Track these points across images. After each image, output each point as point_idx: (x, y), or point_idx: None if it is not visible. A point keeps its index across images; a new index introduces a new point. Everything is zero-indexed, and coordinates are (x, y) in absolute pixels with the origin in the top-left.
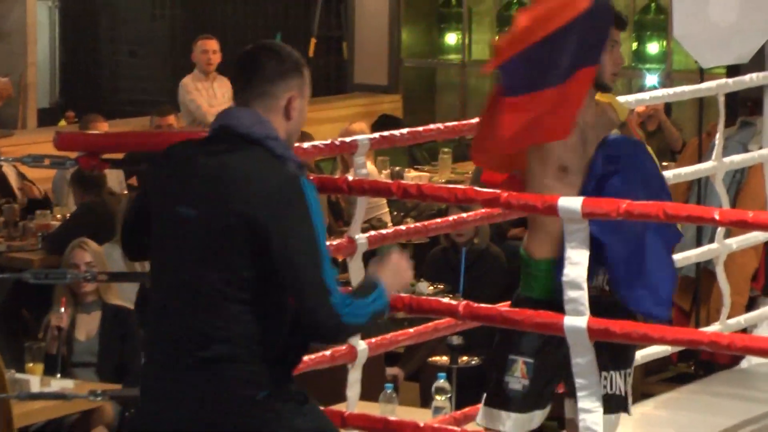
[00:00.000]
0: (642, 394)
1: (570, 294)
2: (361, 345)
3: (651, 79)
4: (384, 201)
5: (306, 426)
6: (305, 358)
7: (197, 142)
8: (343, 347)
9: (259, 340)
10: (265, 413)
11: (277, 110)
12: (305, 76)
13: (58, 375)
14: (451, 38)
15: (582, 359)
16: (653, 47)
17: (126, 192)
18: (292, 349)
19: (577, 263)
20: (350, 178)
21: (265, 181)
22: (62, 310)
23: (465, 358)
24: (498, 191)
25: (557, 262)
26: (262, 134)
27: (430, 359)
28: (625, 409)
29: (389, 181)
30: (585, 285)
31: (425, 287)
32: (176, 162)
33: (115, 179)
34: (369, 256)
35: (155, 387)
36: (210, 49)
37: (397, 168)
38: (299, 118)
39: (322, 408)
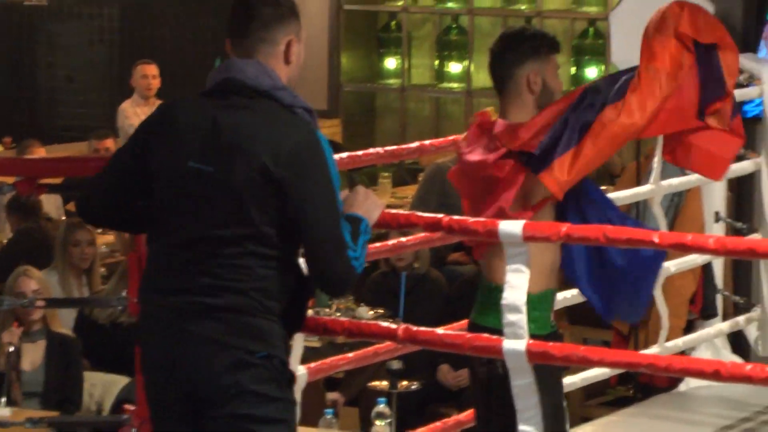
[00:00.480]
0: (581, 417)
1: (509, 317)
2: (301, 370)
3: None
4: None
5: (274, 415)
6: None
7: (203, 97)
8: None
9: (271, 296)
10: (254, 375)
11: (278, 56)
12: (300, 19)
13: (3, 399)
14: (391, 63)
15: (521, 381)
16: (591, 72)
17: (64, 218)
18: (296, 313)
19: (516, 287)
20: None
21: (283, 137)
22: (13, 329)
23: (405, 382)
24: (439, 216)
25: (543, 295)
26: (269, 85)
27: (369, 384)
28: None
29: None
30: (524, 308)
31: (365, 312)
32: (184, 117)
33: (52, 205)
34: None
35: (157, 335)
36: (150, 74)
37: (345, 190)
38: (298, 62)
39: None
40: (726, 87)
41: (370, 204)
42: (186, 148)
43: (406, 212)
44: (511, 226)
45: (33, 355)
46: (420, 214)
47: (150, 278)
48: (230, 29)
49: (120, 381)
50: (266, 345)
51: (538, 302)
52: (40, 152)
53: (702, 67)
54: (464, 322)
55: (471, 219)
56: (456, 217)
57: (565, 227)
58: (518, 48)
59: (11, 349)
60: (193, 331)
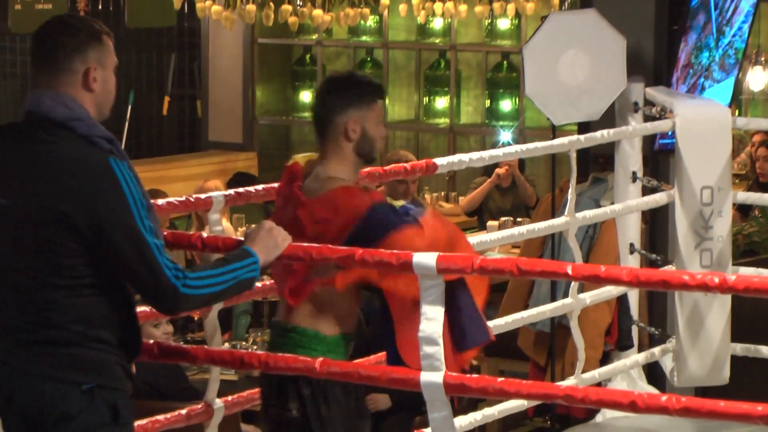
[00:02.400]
0: None
1: (426, 350)
2: (218, 403)
3: (505, 135)
4: None
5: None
6: (160, 417)
7: (12, 129)
8: (199, 406)
9: (93, 324)
10: (81, 408)
11: (77, 84)
12: (105, 44)
13: None
14: (306, 96)
15: (438, 414)
16: (506, 104)
17: None
18: (129, 338)
19: (432, 319)
20: (205, 235)
21: (72, 170)
22: None
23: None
24: (353, 248)
25: (348, 336)
26: (64, 116)
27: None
28: None
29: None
30: (441, 341)
31: None
32: None
33: None
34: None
35: None
36: None
37: (253, 225)
38: (104, 89)
39: None
40: (489, 332)
41: (270, 240)
42: None
43: (319, 245)
44: (425, 258)
45: None
46: (333, 247)
47: None
48: (32, 60)
49: None
50: (94, 375)
51: (334, 345)
52: None
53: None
54: (382, 355)
55: (385, 251)
56: (369, 249)
57: (478, 259)
58: (341, 94)
59: None
60: (20, 368)
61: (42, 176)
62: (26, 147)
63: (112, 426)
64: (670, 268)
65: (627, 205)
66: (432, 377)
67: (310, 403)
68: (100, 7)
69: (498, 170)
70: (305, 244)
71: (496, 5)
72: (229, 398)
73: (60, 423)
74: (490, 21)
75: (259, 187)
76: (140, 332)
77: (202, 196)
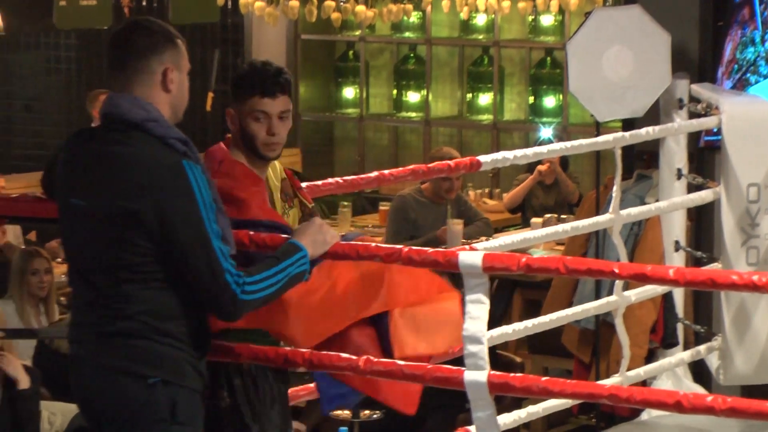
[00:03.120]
0: None
1: (470, 348)
2: None
3: (545, 132)
4: None
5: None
6: None
7: (90, 132)
8: None
9: (162, 317)
10: (142, 401)
11: (155, 85)
12: (180, 47)
13: None
14: (349, 92)
15: (482, 412)
16: (549, 101)
17: (23, 246)
18: (199, 337)
19: (476, 318)
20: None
21: (145, 170)
22: None
23: (367, 411)
24: (400, 246)
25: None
26: (140, 117)
27: (331, 413)
28: None
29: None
30: (485, 339)
31: None
32: (70, 152)
33: (12, 233)
34: None
35: (72, 357)
36: None
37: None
38: (180, 91)
39: None
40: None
41: (319, 236)
42: (69, 183)
43: (364, 243)
44: (471, 257)
45: None
46: (379, 244)
47: (71, 312)
48: (109, 63)
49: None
50: (161, 370)
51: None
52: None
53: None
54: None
55: (431, 250)
56: (415, 247)
57: (524, 258)
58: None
59: None
60: (90, 360)
61: (116, 176)
62: (102, 149)
63: (169, 423)
64: (715, 265)
65: (672, 202)
66: (476, 376)
67: (240, 391)
68: (144, 2)
69: (539, 167)
70: (352, 243)
71: (539, 1)
72: None
73: (121, 416)
74: (533, 17)
75: (303, 184)
76: (210, 330)
77: None
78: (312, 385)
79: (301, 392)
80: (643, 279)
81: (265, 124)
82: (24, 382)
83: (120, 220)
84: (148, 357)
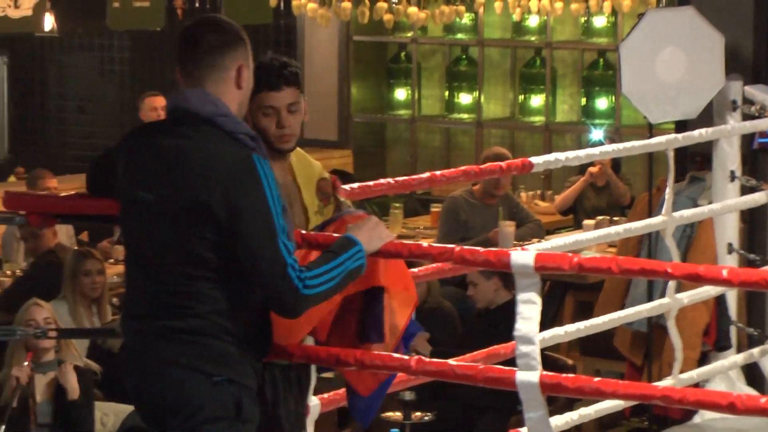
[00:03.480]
0: None
1: (522, 349)
2: (314, 401)
3: (596, 134)
4: None
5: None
6: None
7: (155, 126)
8: None
9: (229, 318)
10: (209, 399)
11: (228, 81)
12: (249, 46)
13: (2, 427)
14: (401, 94)
15: (534, 414)
16: (602, 102)
17: (76, 247)
18: (261, 337)
19: (528, 318)
20: (303, 232)
21: (216, 163)
22: (26, 363)
23: (418, 413)
24: (452, 246)
25: None
26: (212, 112)
27: (383, 415)
28: None
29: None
30: (537, 340)
31: None
32: (135, 147)
33: (64, 234)
34: None
35: (129, 356)
36: (159, 105)
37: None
38: (248, 87)
39: None
40: (383, 337)
41: (374, 233)
42: (135, 177)
43: (416, 242)
44: (523, 257)
45: (44, 387)
46: (431, 243)
47: (126, 304)
48: (180, 58)
49: (131, 410)
50: (225, 369)
51: None
52: (51, 183)
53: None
54: (477, 354)
55: (482, 249)
56: (467, 247)
57: (576, 258)
58: None
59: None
60: (153, 354)
61: (186, 170)
62: (171, 142)
63: (235, 421)
64: None
65: (725, 204)
66: (528, 376)
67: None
68: (197, 4)
69: (591, 169)
70: (405, 242)
71: (592, 2)
72: (325, 396)
73: (184, 411)
74: (586, 18)
75: (355, 184)
76: (272, 331)
77: None
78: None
79: (337, 397)
80: (696, 279)
81: (274, 118)
82: (74, 392)
83: (190, 213)
84: (214, 355)
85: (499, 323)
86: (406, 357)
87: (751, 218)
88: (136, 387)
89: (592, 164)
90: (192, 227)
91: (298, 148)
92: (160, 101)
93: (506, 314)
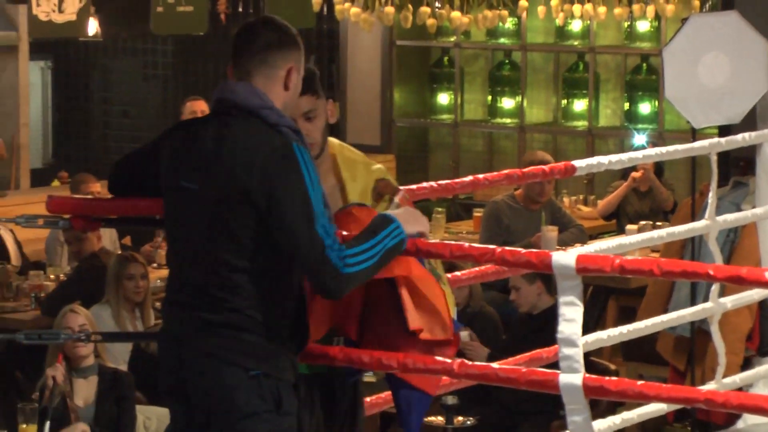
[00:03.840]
0: None
1: (565, 351)
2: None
3: (639, 138)
4: None
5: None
6: None
7: (199, 119)
8: None
9: (267, 313)
10: (247, 392)
11: (276, 79)
12: (302, 52)
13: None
14: (444, 98)
15: (578, 417)
16: (645, 107)
17: (119, 251)
18: (298, 331)
19: (571, 320)
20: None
21: (256, 150)
22: (57, 364)
23: (460, 418)
24: (492, 246)
25: None
26: (257, 104)
27: (425, 419)
28: None
29: None
30: (580, 342)
31: None
32: (181, 137)
33: (107, 238)
34: None
35: (167, 343)
36: (198, 109)
37: None
38: (294, 92)
39: None
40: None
41: (411, 217)
42: (179, 168)
43: (458, 243)
44: (565, 258)
45: (85, 392)
46: (472, 244)
47: (168, 291)
48: (233, 52)
49: None
50: (261, 363)
51: None
52: (94, 187)
53: None
54: (519, 357)
55: (523, 251)
56: (508, 248)
57: (618, 259)
58: None
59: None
60: (192, 345)
61: (226, 158)
62: (213, 132)
63: (275, 414)
64: None
65: None
66: (571, 379)
67: None
68: (240, 9)
69: (633, 173)
70: (445, 242)
71: (635, 7)
72: (368, 399)
73: (223, 404)
74: (629, 23)
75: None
76: (309, 326)
77: None
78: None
79: (379, 401)
80: (738, 281)
81: (303, 124)
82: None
83: (231, 201)
84: (251, 350)
85: (542, 328)
86: (449, 360)
87: None
88: (173, 374)
89: (634, 169)
90: (233, 215)
91: (349, 151)
92: (200, 105)
93: (549, 319)
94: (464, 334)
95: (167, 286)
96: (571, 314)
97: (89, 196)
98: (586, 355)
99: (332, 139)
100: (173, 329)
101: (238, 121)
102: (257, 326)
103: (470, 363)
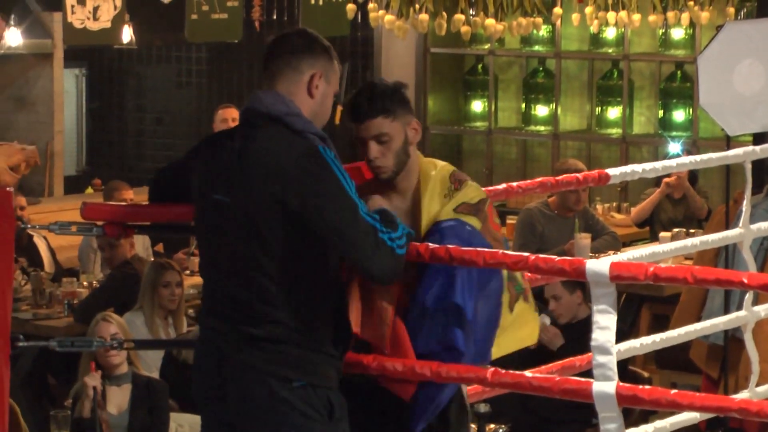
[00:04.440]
0: None
1: (599, 359)
2: None
3: (674, 146)
4: None
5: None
6: None
7: (228, 131)
8: None
9: (309, 324)
10: (292, 404)
11: (300, 84)
12: (334, 62)
13: None
14: (477, 106)
15: (611, 425)
16: (679, 115)
17: (152, 258)
18: (340, 341)
19: (605, 327)
20: None
21: (283, 157)
22: (93, 372)
23: (492, 425)
24: (526, 254)
25: None
26: (283, 111)
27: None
28: None
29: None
30: (614, 350)
31: None
32: (210, 151)
33: (140, 245)
34: None
35: (206, 353)
36: (230, 117)
37: None
38: (323, 100)
39: None
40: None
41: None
42: (211, 181)
43: (491, 250)
44: (599, 265)
45: (119, 399)
46: (505, 252)
47: (205, 301)
48: (264, 58)
49: None
50: (306, 374)
51: None
52: (128, 194)
53: None
54: (552, 365)
55: (557, 258)
56: (542, 255)
57: (652, 267)
58: None
59: (92, 392)
60: (236, 358)
61: (256, 169)
62: (242, 145)
63: (327, 422)
64: None
65: None
66: (604, 387)
67: None
68: (275, 16)
69: (666, 180)
70: (479, 249)
71: (670, 14)
72: None
73: (269, 416)
74: (664, 30)
75: None
76: (351, 330)
77: None
78: None
79: None
80: None
81: (365, 148)
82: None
83: (266, 212)
84: (291, 361)
85: (581, 337)
86: (483, 368)
87: None
88: (211, 385)
89: (668, 176)
90: (270, 225)
91: (432, 164)
92: (231, 113)
93: (589, 328)
94: (545, 320)
95: (204, 296)
96: (604, 322)
97: (123, 203)
98: (620, 364)
99: (428, 163)
100: (214, 341)
101: (264, 130)
102: (299, 337)
103: (503, 371)
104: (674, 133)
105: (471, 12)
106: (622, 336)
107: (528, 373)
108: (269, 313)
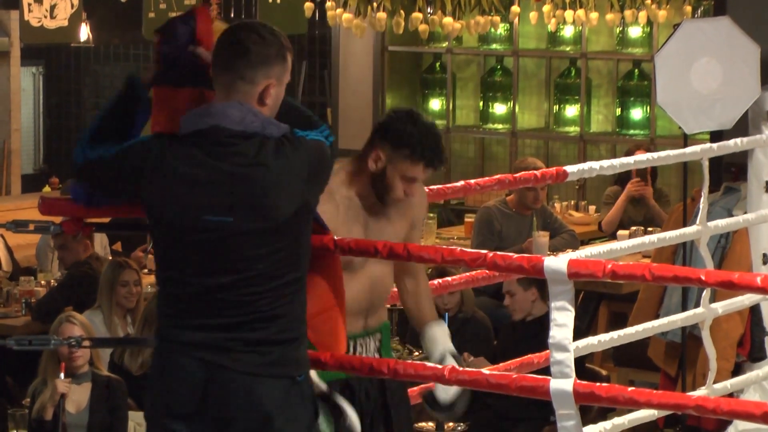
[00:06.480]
0: None
1: (556, 356)
2: (348, 410)
3: None
4: None
5: (306, 417)
6: None
7: (192, 145)
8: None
9: (303, 320)
10: (300, 395)
11: (252, 95)
12: (288, 62)
13: None
14: (435, 104)
15: (569, 423)
16: (637, 113)
17: (110, 257)
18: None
19: (562, 325)
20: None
21: (295, 164)
22: (62, 375)
23: (451, 424)
24: (484, 251)
25: None
26: (258, 126)
27: (416, 425)
28: None
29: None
30: (571, 347)
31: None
32: (182, 168)
33: (98, 244)
34: None
35: (188, 374)
36: None
37: None
38: (275, 103)
39: None
40: None
41: None
42: (197, 202)
43: (450, 247)
44: (557, 263)
45: (78, 398)
46: (463, 249)
47: (177, 317)
48: (214, 61)
49: None
50: (306, 366)
51: None
52: None
53: None
54: (510, 363)
55: (515, 255)
56: (500, 253)
57: (610, 264)
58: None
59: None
60: (235, 368)
61: (262, 186)
62: (234, 162)
63: (317, 400)
64: None
65: (760, 214)
66: (562, 384)
67: None
68: (232, 14)
69: (630, 187)
70: (436, 246)
71: (627, 13)
72: None
73: (283, 413)
74: (621, 29)
75: None
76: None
77: None
78: None
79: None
80: (729, 287)
81: (408, 186)
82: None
83: (298, 221)
84: (293, 359)
85: (535, 335)
86: (440, 366)
87: None
88: (194, 397)
89: (629, 177)
90: (291, 231)
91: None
92: None
93: (544, 326)
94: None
95: (172, 313)
96: (562, 319)
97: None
98: (578, 361)
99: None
100: (211, 357)
101: (249, 147)
102: (301, 336)
103: (461, 369)
104: (632, 132)
105: (429, 10)
106: (579, 334)
107: (485, 371)
108: (277, 316)
